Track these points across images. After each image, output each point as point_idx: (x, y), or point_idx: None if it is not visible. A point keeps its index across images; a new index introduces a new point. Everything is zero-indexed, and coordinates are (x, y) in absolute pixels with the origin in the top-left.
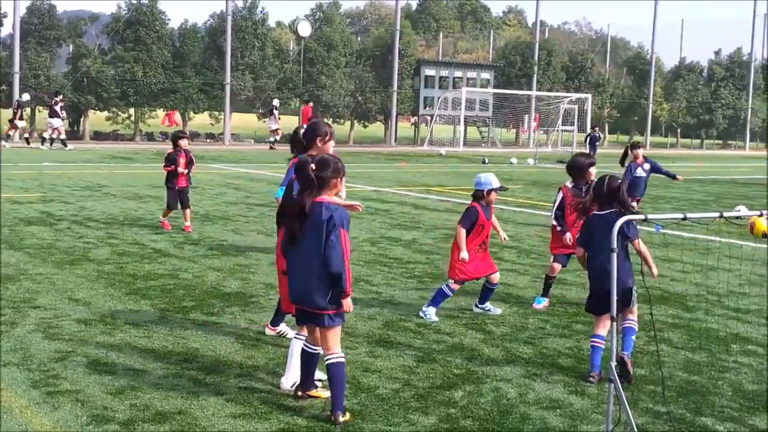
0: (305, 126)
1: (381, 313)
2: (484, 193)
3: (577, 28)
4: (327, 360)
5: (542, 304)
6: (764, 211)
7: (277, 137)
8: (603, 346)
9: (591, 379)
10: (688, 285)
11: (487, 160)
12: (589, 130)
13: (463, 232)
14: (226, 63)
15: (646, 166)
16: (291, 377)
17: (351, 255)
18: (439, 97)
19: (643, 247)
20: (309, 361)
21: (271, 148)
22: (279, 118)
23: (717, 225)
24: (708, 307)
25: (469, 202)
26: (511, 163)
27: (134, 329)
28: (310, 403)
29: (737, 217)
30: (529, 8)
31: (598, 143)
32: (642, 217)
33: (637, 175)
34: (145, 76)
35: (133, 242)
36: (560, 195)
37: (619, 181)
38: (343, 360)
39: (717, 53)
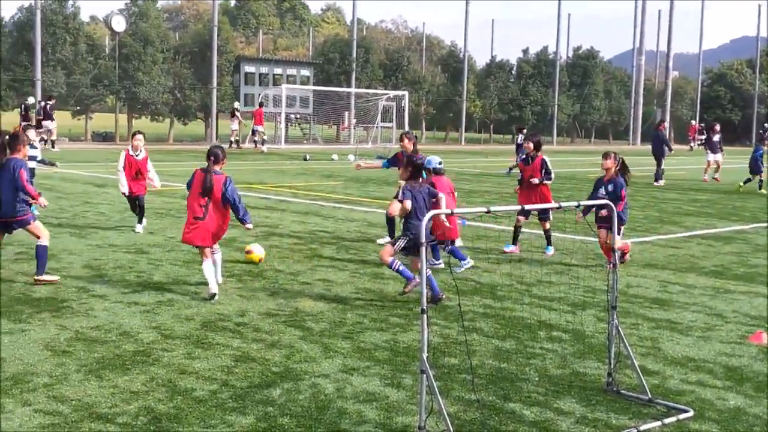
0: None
1: (199, 314)
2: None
3: (393, 27)
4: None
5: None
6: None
7: (238, 138)
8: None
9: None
10: (499, 275)
11: (309, 157)
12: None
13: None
14: (36, 58)
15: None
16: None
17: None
18: (259, 94)
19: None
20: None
21: (230, 145)
22: (241, 120)
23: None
24: (517, 296)
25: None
26: (333, 159)
27: None
28: (122, 409)
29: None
30: (347, 6)
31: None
32: (449, 211)
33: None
34: None
35: None
36: None
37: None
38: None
39: (525, 51)
